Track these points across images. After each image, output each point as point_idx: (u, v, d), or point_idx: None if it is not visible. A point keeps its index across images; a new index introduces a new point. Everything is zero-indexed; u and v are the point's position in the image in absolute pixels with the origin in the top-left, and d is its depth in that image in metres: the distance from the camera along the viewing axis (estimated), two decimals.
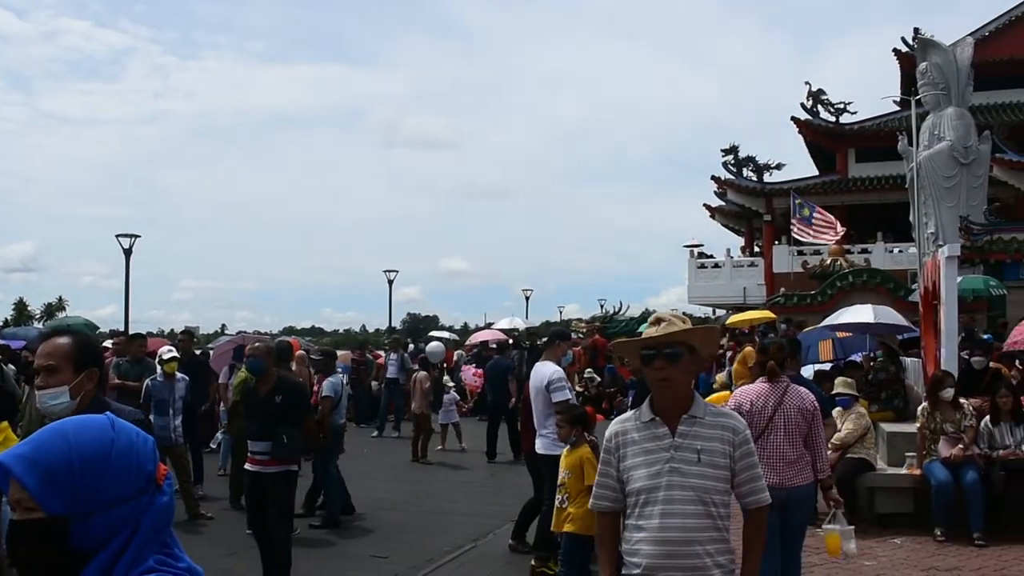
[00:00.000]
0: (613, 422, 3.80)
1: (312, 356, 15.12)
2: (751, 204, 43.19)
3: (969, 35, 33.36)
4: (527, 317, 48.14)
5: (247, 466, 8.13)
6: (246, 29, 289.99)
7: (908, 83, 33.92)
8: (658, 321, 3.69)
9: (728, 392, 16.72)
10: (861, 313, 14.07)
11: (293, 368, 12.05)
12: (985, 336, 17.06)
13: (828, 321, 14.63)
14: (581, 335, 27.60)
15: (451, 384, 21.46)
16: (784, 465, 6.14)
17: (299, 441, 7.97)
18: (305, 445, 8.43)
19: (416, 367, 19.93)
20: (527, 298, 54.75)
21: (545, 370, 8.62)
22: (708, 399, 12.15)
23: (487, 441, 16.87)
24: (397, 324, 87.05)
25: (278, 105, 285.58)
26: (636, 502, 3.60)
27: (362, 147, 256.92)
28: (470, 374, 26.37)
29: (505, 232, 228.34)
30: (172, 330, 44.99)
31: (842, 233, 31.25)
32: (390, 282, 45.95)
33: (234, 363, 13.56)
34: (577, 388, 22.62)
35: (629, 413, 3.79)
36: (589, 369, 23.75)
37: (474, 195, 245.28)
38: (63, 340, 3.69)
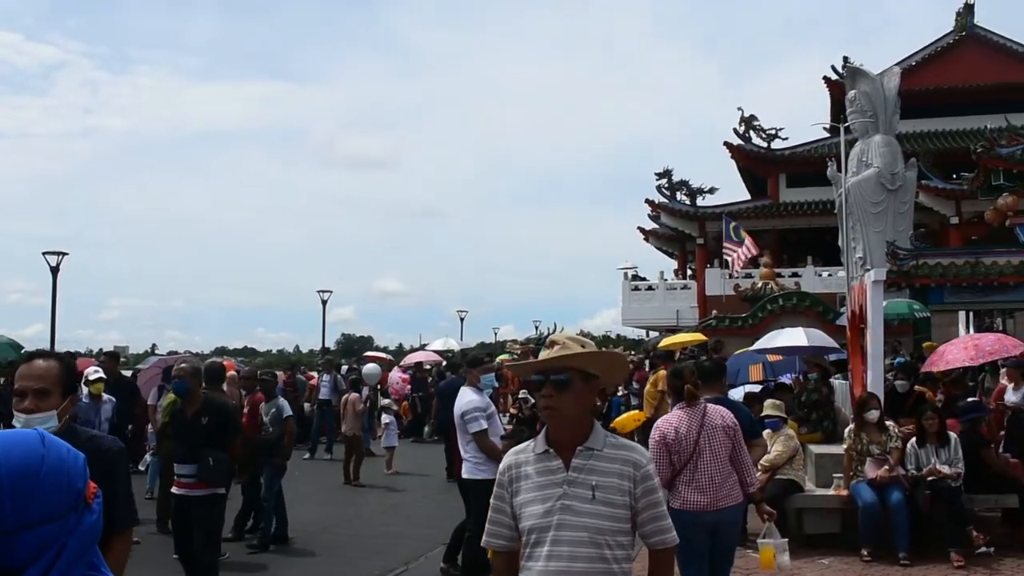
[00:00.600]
0: (508, 453, 3.48)
1: (242, 377, 14.91)
2: (684, 227, 43.71)
3: (896, 64, 34.19)
4: (462, 339, 48.12)
5: (173, 489, 8.01)
6: (181, 45, 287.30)
7: (837, 110, 34.60)
8: (552, 344, 3.38)
9: (639, 412, 16.84)
10: (794, 336, 14.25)
11: (225, 389, 11.88)
12: (907, 358, 17.41)
13: (762, 344, 14.79)
14: (515, 356, 27.60)
15: (393, 407, 21.26)
16: (714, 487, 6.18)
17: (225, 464, 7.86)
18: (232, 468, 8.32)
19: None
20: (462, 319, 54.79)
21: (461, 400, 8.66)
22: (616, 420, 12.19)
23: (446, 459, 16.55)
24: (331, 345, 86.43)
25: (212, 122, 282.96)
26: (528, 541, 3.28)
27: (297, 165, 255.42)
28: (397, 377, 26.28)
29: (441, 253, 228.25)
30: (100, 350, 44.27)
31: (753, 253, 31.61)
32: (324, 302, 45.74)
33: (163, 384, 13.34)
34: (511, 410, 22.62)
35: (525, 443, 3.44)
36: (524, 390, 23.74)
37: (410, 215, 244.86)
38: (53, 363, 3.63)
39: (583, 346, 3.34)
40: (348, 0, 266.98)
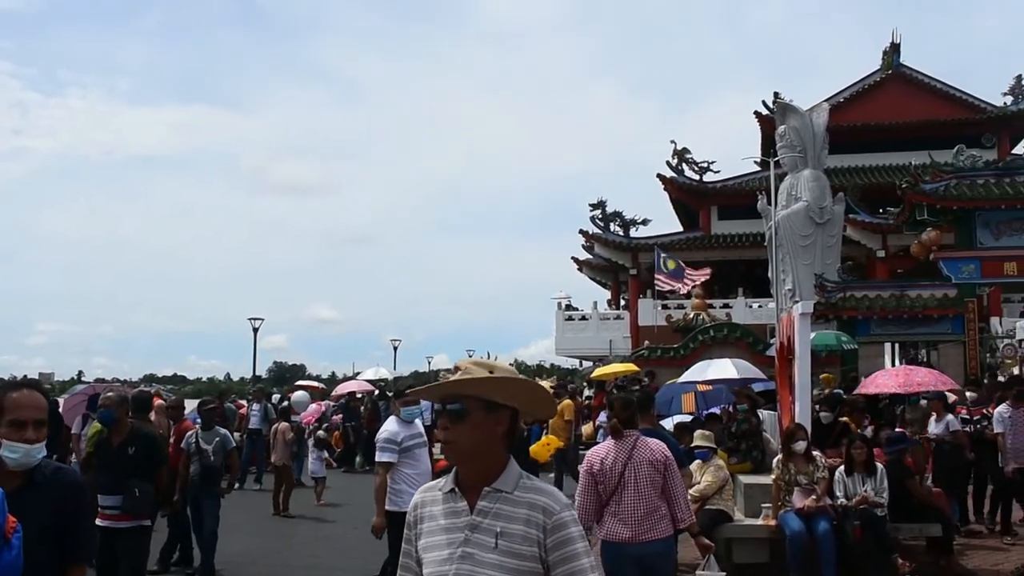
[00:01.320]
0: (419, 489, 3.14)
1: (169, 407, 14.65)
2: (618, 258, 44.08)
3: (825, 101, 34.98)
4: (395, 368, 47.89)
5: (98, 521, 7.83)
6: (114, 68, 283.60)
7: (768, 145, 35.30)
8: (455, 370, 3.02)
9: (552, 439, 16.93)
10: (723, 368, 14.44)
11: (153, 419, 11.68)
12: (836, 391, 17.68)
13: (692, 375, 14.94)
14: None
15: (322, 435, 21.04)
16: (637, 520, 6.19)
17: (151, 495, 7.72)
18: (158, 499, 8.18)
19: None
20: (395, 348, 54.56)
21: (385, 428, 8.58)
22: (532, 448, 12.18)
23: None
24: (263, 373, 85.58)
25: (144, 146, 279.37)
26: None
27: (230, 191, 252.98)
28: (312, 408, 25.95)
29: (374, 281, 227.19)
30: (25, 376, 43.23)
31: (701, 281, 31.96)
32: (255, 330, 45.21)
33: (88, 413, 13.07)
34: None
35: (437, 480, 3.10)
36: None
37: (344, 243, 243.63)
38: (40, 395, 3.67)
39: (491, 371, 2.95)
40: (283, 27, 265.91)
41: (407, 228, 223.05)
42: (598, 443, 8.29)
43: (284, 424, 17.63)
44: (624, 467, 6.27)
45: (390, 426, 8.47)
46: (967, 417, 13.56)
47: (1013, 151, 39.36)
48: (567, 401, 17.63)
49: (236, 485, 19.46)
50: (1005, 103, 43.81)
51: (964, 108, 44.14)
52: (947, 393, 13.78)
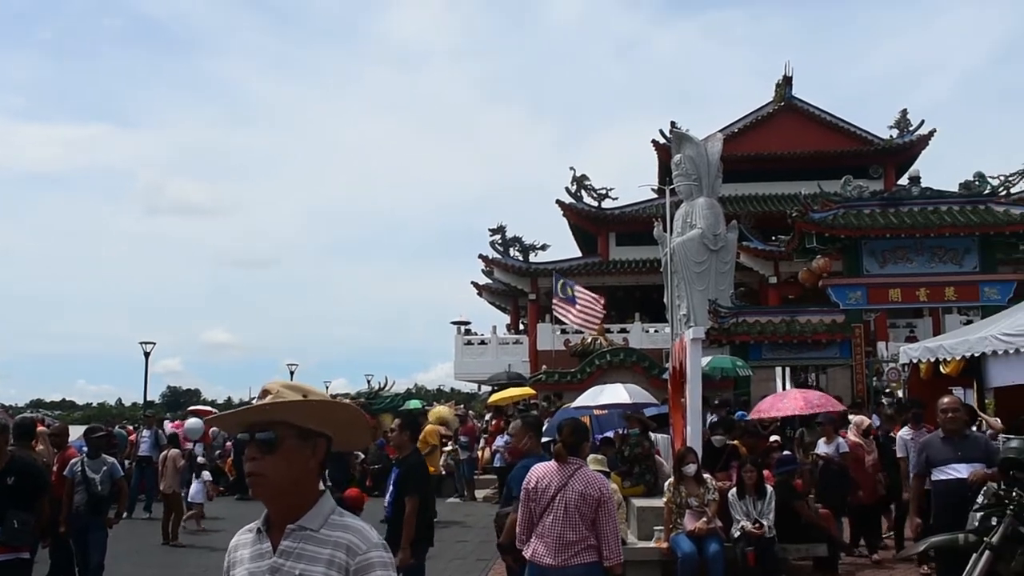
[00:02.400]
0: (238, 532, 2.77)
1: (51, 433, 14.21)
2: (517, 283, 44.30)
3: (720, 131, 35.85)
4: None
5: None
6: (4, 84, 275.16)
7: (665, 172, 36.03)
8: (264, 394, 2.67)
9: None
10: (615, 393, 14.60)
11: (39, 447, 11.31)
12: (738, 413, 18.04)
13: (584, 400, 15.06)
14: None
15: (202, 460, 20.59)
16: (561, 546, 6.15)
17: (31, 526, 7.47)
18: (39, 530, 7.92)
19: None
20: (292, 372, 53.81)
21: None
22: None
23: None
24: (156, 398, 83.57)
25: (34, 163, 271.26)
26: None
27: (122, 212, 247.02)
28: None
29: (272, 304, 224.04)
30: None
31: (601, 317, 32.36)
32: (146, 354, 44.10)
33: None
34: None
35: (254, 523, 2.72)
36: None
37: (241, 265, 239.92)
38: None
39: (305, 395, 2.65)
40: (182, 45, 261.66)
41: (306, 251, 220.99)
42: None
43: (174, 451, 17.23)
44: (557, 492, 6.22)
45: None
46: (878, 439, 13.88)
47: (898, 182, 40.73)
48: (430, 427, 17.65)
49: (124, 514, 19.05)
50: (891, 136, 45.44)
51: (852, 140, 45.62)
52: (863, 417, 14.11)
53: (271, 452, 2.55)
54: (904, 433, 12.05)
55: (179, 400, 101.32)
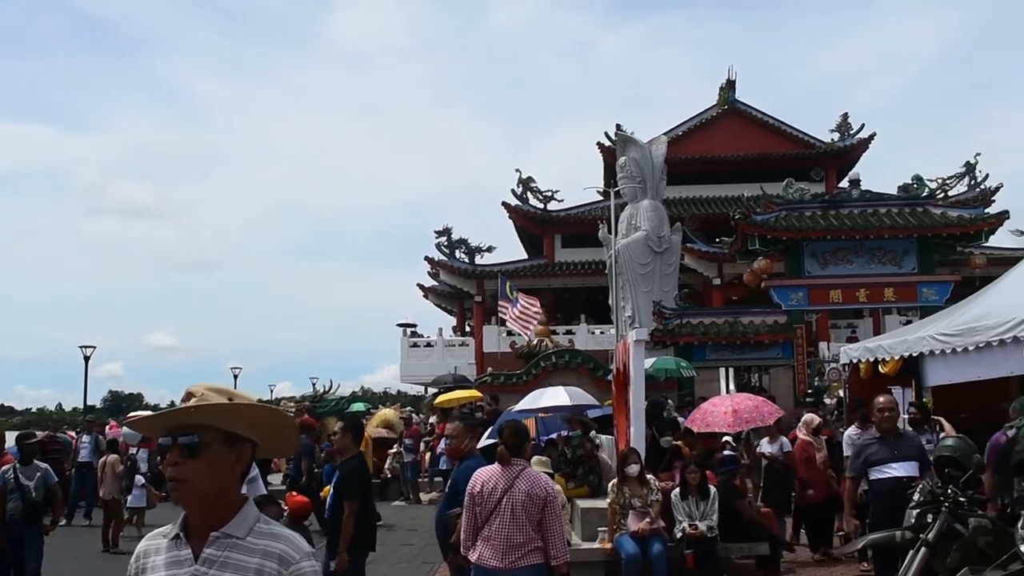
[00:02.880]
0: (145, 537, 2.71)
1: None
2: (463, 285, 44.26)
3: (664, 134, 36.07)
4: None
5: None
6: None
7: (611, 175, 36.17)
8: (188, 397, 2.60)
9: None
10: (556, 396, 14.56)
11: None
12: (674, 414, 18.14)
13: (526, 404, 15.01)
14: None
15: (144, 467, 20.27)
16: (508, 549, 6.16)
17: None
18: None
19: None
20: (236, 376, 53.34)
21: None
22: (326, 491, 11.75)
23: None
24: (97, 403, 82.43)
25: None
26: None
27: (62, 213, 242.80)
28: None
29: (217, 307, 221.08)
30: None
31: (539, 322, 32.31)
32: (86, 358, 43.43)
33: None
34: (284, 471, 22.10)
35: (164, 527, 2.66)
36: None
37: (185, 267, 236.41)
38: None
39: (231, 398, 2.59)
40: (125, 44, 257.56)
41: (251, 253, 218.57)
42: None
43: (113, 457, 16.97)
44: (503, 494, 6.23)
45: None
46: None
47: (839, 185, 41.27)
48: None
49: (63, 521, 18.72)
50: (833, 139, 46.08)
51: (794, 143, 46.17)
52: (814, 415, 14.18)
53: (194, 457, 2.48)
54: (851, 432, 12.19)
55: (121, 405, 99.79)
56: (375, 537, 8.18)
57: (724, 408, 15.93)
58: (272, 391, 67.65)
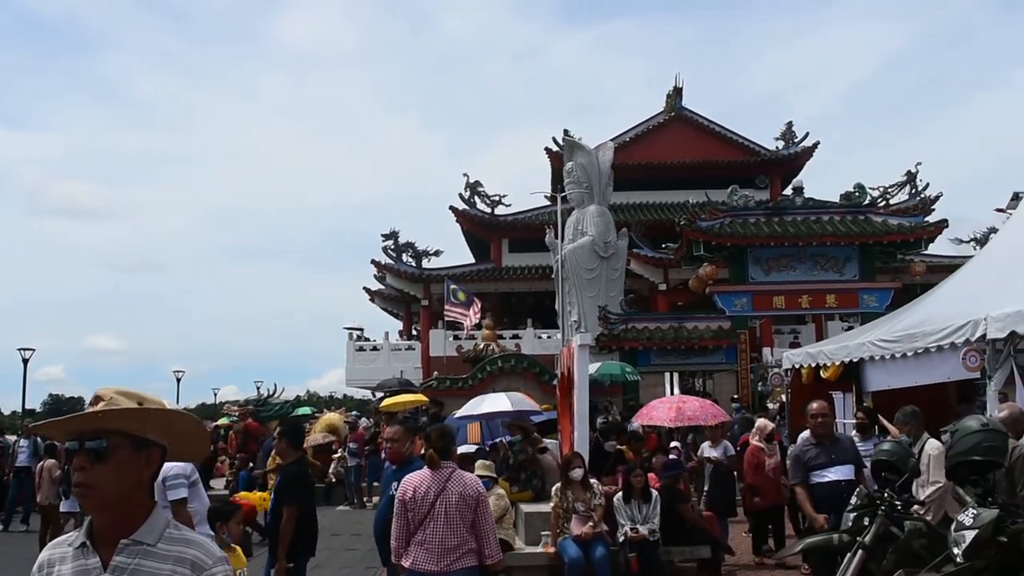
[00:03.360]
0: (47, 546, 2.64)
1: None
2: (410, 289, 44.11)
3: (611, 140, 36.26)
4: (178, 400, 46.28)
5: None
6: None
7: (558, 180, 36.29)
8: (97, 401, 2.54)
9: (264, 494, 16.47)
10: (497, 402, 14.53)
11: None
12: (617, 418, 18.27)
13: (468, 411, 14.97)
14: (234, 419, 26.81)
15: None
16: (443, 552, 6.17)
17: None
18: None
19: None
20: (178, 380, 52.73)
21: (167, 463, 8.05)
22: (242, 495, 11.72)
23: None
24: (37, 406, 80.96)
25: None
26: None
27: (3, 213, 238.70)
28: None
29: (161, 309, 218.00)
30: None
31: (477, 315, 32.21)
32: (25, 361, 42.70)
33: None
34: (227, 476, 21.87)
35: (68, 535, 2.61)
36: (241, 454, 23.03)
37: (129, 269, 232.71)
38: None
39: (140, 402, 2.55)
40: (69, 43, 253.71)
41: (196, 255, 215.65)
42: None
43: (51, 461, 16.67)
44: (436, 498, 6.24)
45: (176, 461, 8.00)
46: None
47: (783, 192, 41.75)
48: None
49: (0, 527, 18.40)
50: (777, 147, 46.56)
51: (740, 150, 46.59)
52: (767, 421, 14.25)
53: (101, 462, 2.44)
54: (805, 436, 12.28)
55: (61, 409, 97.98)
56: (315, 542, 8.11)
57: (669, 404, 16.19)
58: (216, 395, 67.18)
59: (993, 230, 31.98)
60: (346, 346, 45.19)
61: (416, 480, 6.43)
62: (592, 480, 10.41)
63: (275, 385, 28.20)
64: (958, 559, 6.06)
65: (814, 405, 8.90)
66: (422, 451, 7.17)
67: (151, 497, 2.58)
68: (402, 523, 6.36)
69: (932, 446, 8.74)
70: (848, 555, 6.91)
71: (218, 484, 20.79)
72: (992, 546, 6.03)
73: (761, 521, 12.90)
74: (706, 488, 13.99)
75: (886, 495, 7.04)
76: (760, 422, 13.88)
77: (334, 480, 22.27)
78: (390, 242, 43.32)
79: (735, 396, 23.99)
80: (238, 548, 7.31)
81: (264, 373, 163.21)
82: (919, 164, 41.20)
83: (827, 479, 8.41)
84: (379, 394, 34.31)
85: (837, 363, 13.29)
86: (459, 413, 15.40)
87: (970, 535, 6.03)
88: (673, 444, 15.72)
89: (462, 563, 6.25)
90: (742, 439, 14.65)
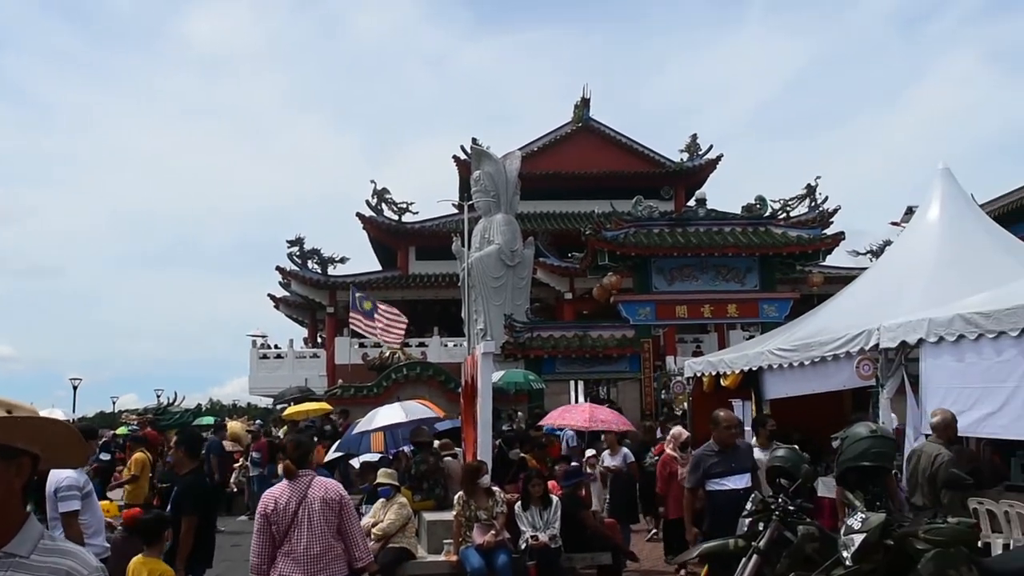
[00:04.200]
0: None
1: None
2: (315, 296, 43.75)
3: (519, 149, 36.45)
4: (75, 409, 45.08)
5: None
6: None
7: (466, 188, 36.33)
8: None
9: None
10: (392, 414, 14.41)
11: None
12: (522, 426, 18.37)
13: (363, 426, 14.83)
14: (133, 428, 26.25)
15: None
16: (310, 560, 6.15)
17: None
18: None
19: None
20: (75, 388, 51.30)
21: (59, 474, 7.62)
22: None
23: None
24: None
25: None
26: None
27: None
28: None
29: (57, 315, 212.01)
30: None
31: (403, 332, 32.22)
32: None
33: None
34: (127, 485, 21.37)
35: None
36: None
37: (24, 274, 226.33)
38: None
39: (9, 411, 2.46)
40: None
41: (95, 260, 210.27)
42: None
43: None
44: (298, 506, 6.21)
45: (69, 472, 7.59)
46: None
47: (687, 203, 42.43)
48: (138, 454, 15.04)
49: None
50: (682, 159, 47.35)
51: (646, 162, 47.25)
52: (681, 429, 14.31)
53: None
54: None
55: None
56: (213, 553, 7.98)
57: (583, 408, 16.45)
58: (115, 403, 65.38)
59: (888, 243, 32.97)
60: (250, 354, 44.57)
61: (276, 492, 6.39)
62: (495, 488, 10.43)
63: (175, 393, 27.55)
64: (847, 562, 6.22)
65: (722, 414, 8.99)
66: (325, 459, 7.14)
67: (24, 507, 2.48)
68: (264, 539, 6.28)
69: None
70: (744, 560, 7.04)
71: (115, 495, 20.30)
72: (880, 549, 6.21)
73: (675, 530, 13.02)
74: (607, 496, 14.13)
75: (780, 500, 7.18)
76: (675, 430, 13.87)
77: (235, 490, 21.92)
78: (295, 248, 42.92)
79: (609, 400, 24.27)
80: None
81: (165, 381, 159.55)
82: (818, 178, 42.39)
83: (726, 487, 8.53)
84: (280, 405, 33.93)
85: (737, 371, 13.55)
86: (356, 430, 15.23)
87: (859, 539, 6.20)
88: (590, 452, 15.82)
89: (331, 571, 6.24)
90: (656, 448, 14.75)
